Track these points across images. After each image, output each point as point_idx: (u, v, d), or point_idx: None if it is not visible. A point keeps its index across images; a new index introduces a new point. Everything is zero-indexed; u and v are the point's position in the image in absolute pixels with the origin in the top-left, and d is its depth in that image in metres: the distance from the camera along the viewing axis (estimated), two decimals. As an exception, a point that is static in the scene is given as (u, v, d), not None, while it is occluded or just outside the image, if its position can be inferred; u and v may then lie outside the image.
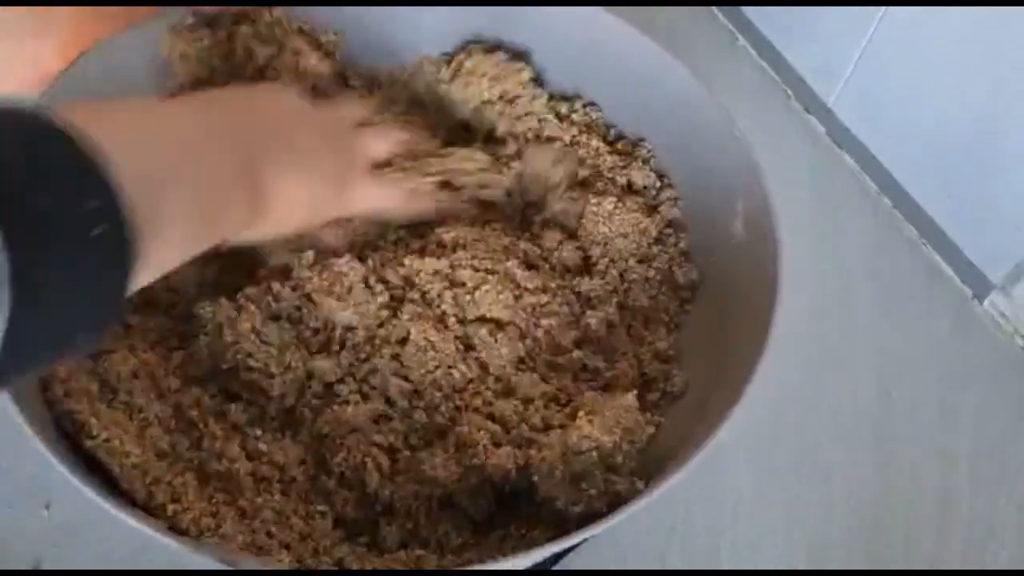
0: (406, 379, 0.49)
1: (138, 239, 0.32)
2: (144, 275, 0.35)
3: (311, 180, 0.46)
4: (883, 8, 0.64)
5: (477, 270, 0.52)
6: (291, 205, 0.45)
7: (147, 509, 0.42)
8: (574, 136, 0.59)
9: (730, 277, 0.53)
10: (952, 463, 0.59)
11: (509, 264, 0.53)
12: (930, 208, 0.67)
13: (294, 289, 0.50)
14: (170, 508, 0.42)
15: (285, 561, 0.43)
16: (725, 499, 0.57)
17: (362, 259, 0.52)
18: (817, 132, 0.73)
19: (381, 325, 0.50)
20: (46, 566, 0.51)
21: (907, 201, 0.68)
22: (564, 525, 0.44)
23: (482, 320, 0.51)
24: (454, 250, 0.53)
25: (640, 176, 0.58)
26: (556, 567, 0.52)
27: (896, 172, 0.68)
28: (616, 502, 0.43)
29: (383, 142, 0.53)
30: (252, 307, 0.49)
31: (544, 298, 0.53)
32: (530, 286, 0.53)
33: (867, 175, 0.71)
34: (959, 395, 0.62)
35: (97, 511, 0.46)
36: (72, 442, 0.43)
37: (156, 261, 0.35)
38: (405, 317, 0.50)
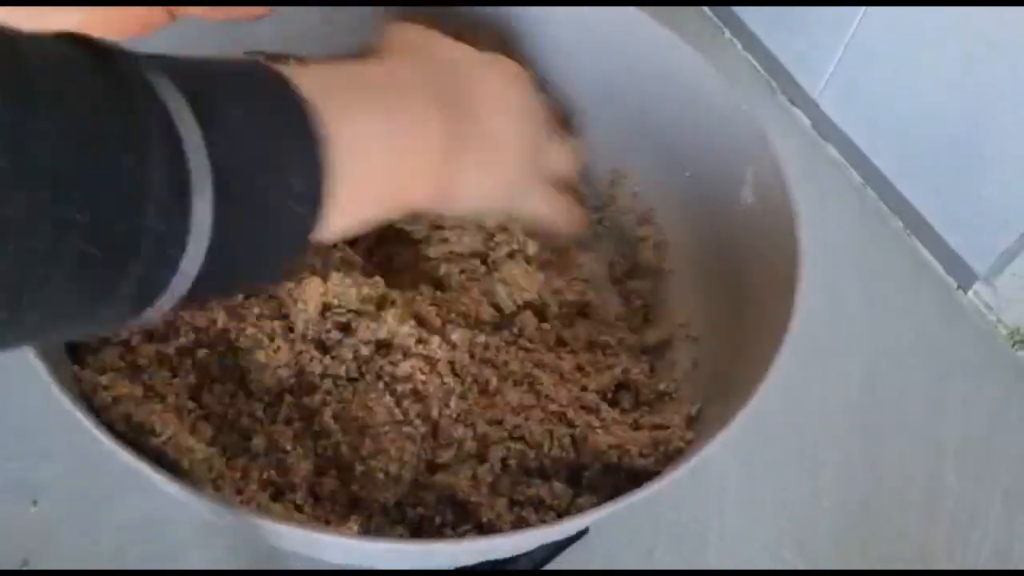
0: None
1: (331, 188, 0.33)
2: (331, 224, 0.35)
3: (497, 175, 0.45)
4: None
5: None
6: (472, 192, 0.44)
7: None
8: None
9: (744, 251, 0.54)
10: (938, 452, 0.60)
11: None
12: (915, 200, 0.67)
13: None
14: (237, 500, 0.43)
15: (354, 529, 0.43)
16: (712, 491, 0.57)
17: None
18: (802, 124, 0.73)
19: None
20: (33, 563, 0.50)
21: (892, 193, 0.69)
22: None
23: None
24: None
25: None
26: (545, 566, 0.52)
27: (881, 164, 0.69)
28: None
29: (568, 159, 0.52)
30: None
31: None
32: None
33: (852, 167, 0.71)
34: (944, 385, 0.62)
35: (84, 506, 0.46)
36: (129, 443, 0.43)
37: (342, 215, 0.35)
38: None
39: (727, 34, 0.78)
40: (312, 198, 0.33)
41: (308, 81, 0.34)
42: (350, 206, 0.36)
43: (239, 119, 0.31)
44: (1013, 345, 0.64)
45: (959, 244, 0.65)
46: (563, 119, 0.54)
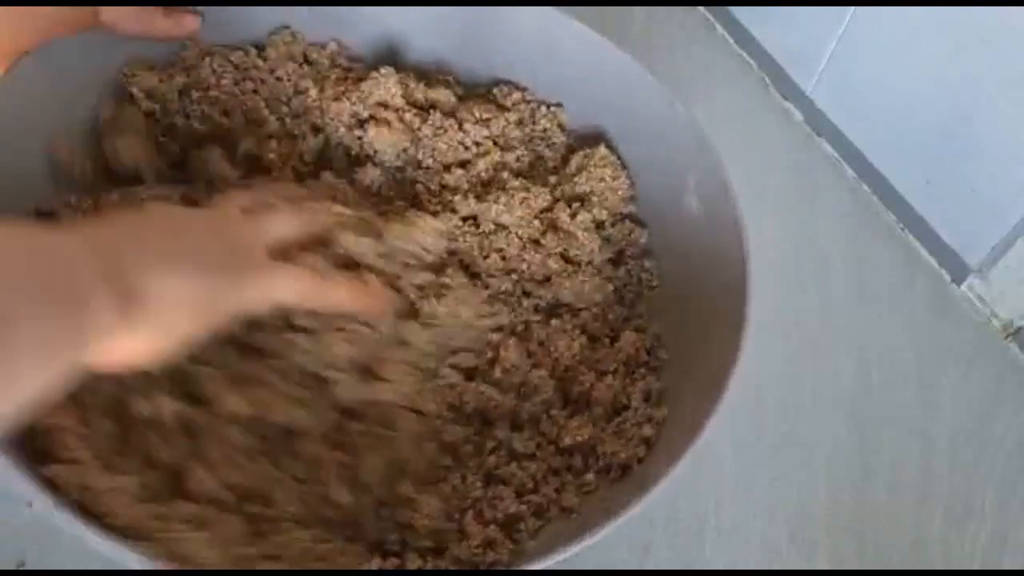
0: None
1: None
2: None
3: (195, 277, 0.41)
4: (859, -5, 0.65)
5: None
6: (174, 305, 0.40)
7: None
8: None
9: (691, 264, 0.54)
10: (931, 444, 0.60)
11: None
12: (908, 193, 0.67)
13: None
14: None
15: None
16: (708, 484, 0.57)
17: None
18: (795, 119, 0.74)
19: None
20: (30, 564, 0.50)
21: (885, 187, 0.69)
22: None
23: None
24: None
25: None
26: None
27: (874, 158, 0.69)
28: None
29: (282, 223, 0.48)
30: None
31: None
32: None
33: (845, 162, 0.71)
34: (938, 377, 0.63)
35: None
36: None
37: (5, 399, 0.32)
38: None
39: (720, 30, 0.78)
40: None
41: None
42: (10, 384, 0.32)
43: None
44: (1006, 337, 0.64)
45: (952, 237, 0.65)
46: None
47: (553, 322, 0.53)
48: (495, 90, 0.60)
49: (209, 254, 0.43)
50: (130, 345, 0.39)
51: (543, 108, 0.60)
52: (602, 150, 0.58)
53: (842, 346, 0.63)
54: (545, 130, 0.59)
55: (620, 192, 0.57)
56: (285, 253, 0.47)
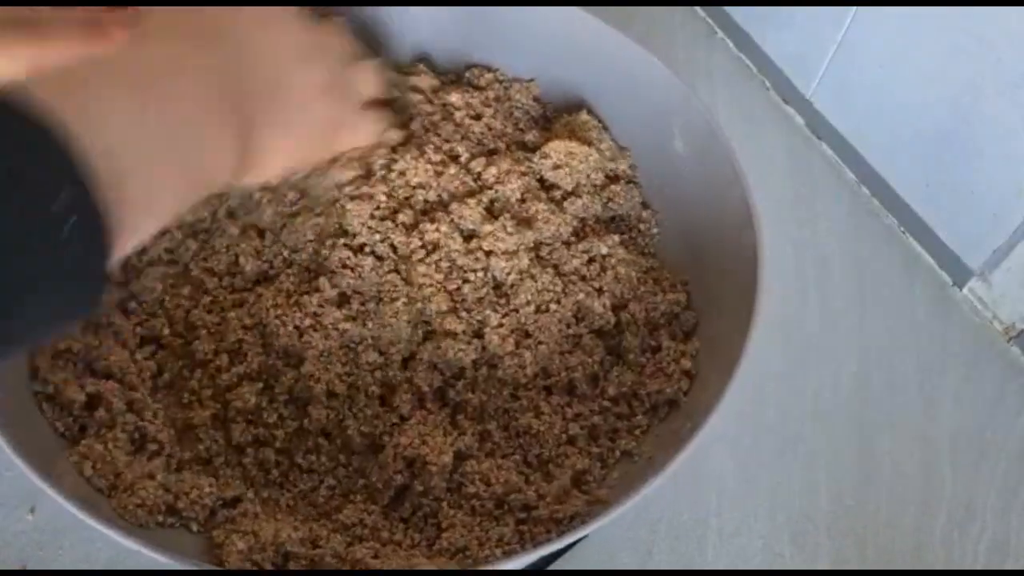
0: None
1: (112, 226, 0.31)
2: (127, 243, 0.33)
3: (303, 131, 0.45)
4: (858, -2, 0.65)
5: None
6: (280, 155, 0.44)
7: None
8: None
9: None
10: (933, 446, 0.60)
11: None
12: (908, 196, 0.67)
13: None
14: None
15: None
16: (709, 487, 0.57)
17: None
18: (795, 122, 0.74)
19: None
20: (32, 567, 0.50)
21: (885, 190, 0.69)
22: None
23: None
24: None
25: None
26: (548, 567, 0.53)
27: (874, 161, 0.69)
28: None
29: (373, 80, 0.51)
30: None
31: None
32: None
33: (845, 165, 0.71)
34: (939, 380, 0.63)
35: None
36: None
37: (137, 227, 0.34)
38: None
39: (720, 34, 0.78)
40: (82, 212, 0.31)
41: (47, 87, 0.32)
42: (142, 203, 0.34)
43: None
44: (1008, 340, 0.64)
45: (953, 240, 0.65)
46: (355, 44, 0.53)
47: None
48: (467, 74, 0.61)
49: (317, 104, 0.46)
50: (224, 171, 0.41)
51: (516, 84, 0.61)
52: (583, 115, 0.59)
53: (843, 349, 0.63)
54: (521, 103, 0.61)
55: (607, 153, 0.58)
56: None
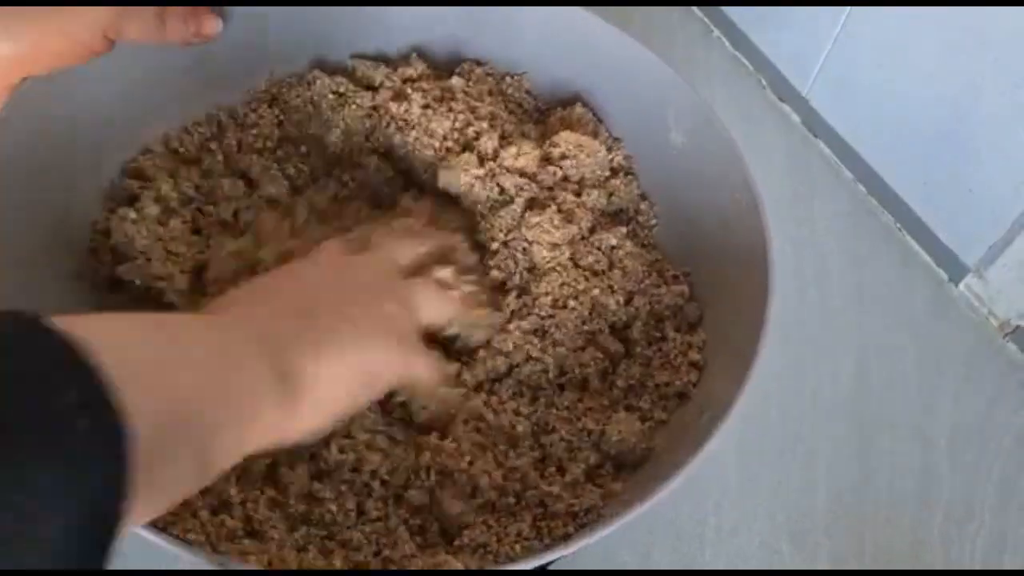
0: None
1: (137, 485, 0.28)
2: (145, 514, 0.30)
3: (356, 357, 0.41)
4: (854, -3, 0.65)
5: None
6: (334, 389, 0.40)
7: None
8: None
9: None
10: (931, 443, 0.60)
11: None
12: (905, 194, 0.68)
13: None
14: None
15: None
16: (709, 485, 0.57)
17: None
18: (792, 121, 0.74)
19: None
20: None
21: (882, 188, 0.69)
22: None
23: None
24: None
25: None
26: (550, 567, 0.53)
27: (871, 159, 0.69)
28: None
29: (445, 302, 0.48)
30: None
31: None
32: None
33: (842, 163, 0.71)
34: (937, 377, 0.63)
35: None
36: None
37: (164, 499, 0.31)
38: None
39: (716, 32, 0.78)
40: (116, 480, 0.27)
41: (99, 332, 0.29)
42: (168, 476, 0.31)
43: None
44: (1004, 336, 0.65)
45: (949, 237, 0.65)
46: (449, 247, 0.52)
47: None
48: (457, 69, 0.61)
49: (364, 334, 0.42)
50: (289, 430, 0.39)
51: (508, 78, 0.61)
52: (579, 109, 0.59)
53: (841, 347, 0.64)
54: (515, 96, 0.61)
55: (601, 153, 0.58)
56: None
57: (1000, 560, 0.57)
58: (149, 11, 0.50)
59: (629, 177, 0.58)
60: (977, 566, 0.56)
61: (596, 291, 0.53)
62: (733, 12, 0.76)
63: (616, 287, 0.53)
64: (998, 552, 0.57)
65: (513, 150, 0.56)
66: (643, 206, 0.58)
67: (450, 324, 0.50)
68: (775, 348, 0.61)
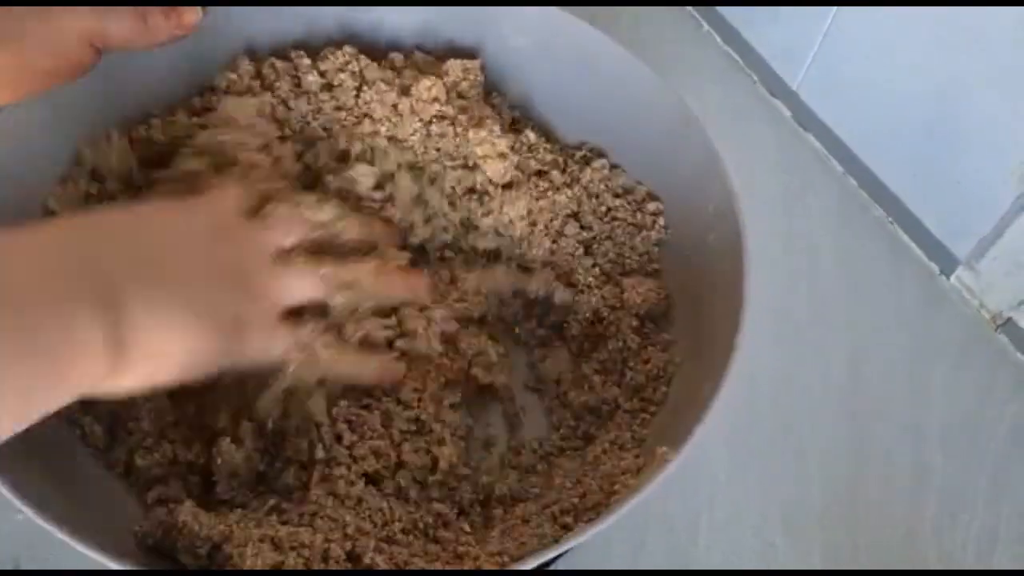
0: None
1: None
2: None
3: (192, 321, 0.38)
4: (844, -10, 0.65)
5: None
6: (164, 352, 0.37)
7: None
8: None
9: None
10: (923, 436, 0.60)
11: None
12: (895, 187, 0.68)
13: None
14: None
15: None
16: (701, 480, 0.57)
17: None
18: (783, 116, 0.74)
19: None
20: (24, 564, 0.50)
21: (872, 181, 0.69)
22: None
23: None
24: None
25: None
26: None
27: (861, 153, 0.69)
28: None
29: (309, 285, 0.44)
30: None
31: None
32: None
33: (833, 157, 0.72)
34: (928, 369, 0.63)
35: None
36: None
37: None
38: None
39: (706, 27, 0.78)
40: None
41: None
42: None
43: None
44: (996, 328, 0.65)
45: (940, 230, 0.66)
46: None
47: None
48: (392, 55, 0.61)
49: (211, 293, 0.39)
50: (117, 384, 0.37)
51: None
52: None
53: (832, 340, 0.64)
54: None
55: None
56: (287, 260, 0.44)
57: (993, 550, 0.57)
58: (128, 11, 0.49)
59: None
60: (970, 557, 0.56)
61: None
62: (723, 7, 0.76)
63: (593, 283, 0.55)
64: (991, 542, 0.57)
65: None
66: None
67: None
68: (766, 342, 0.62)
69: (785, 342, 0.63)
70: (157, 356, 0.37)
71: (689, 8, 0.79)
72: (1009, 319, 0.64)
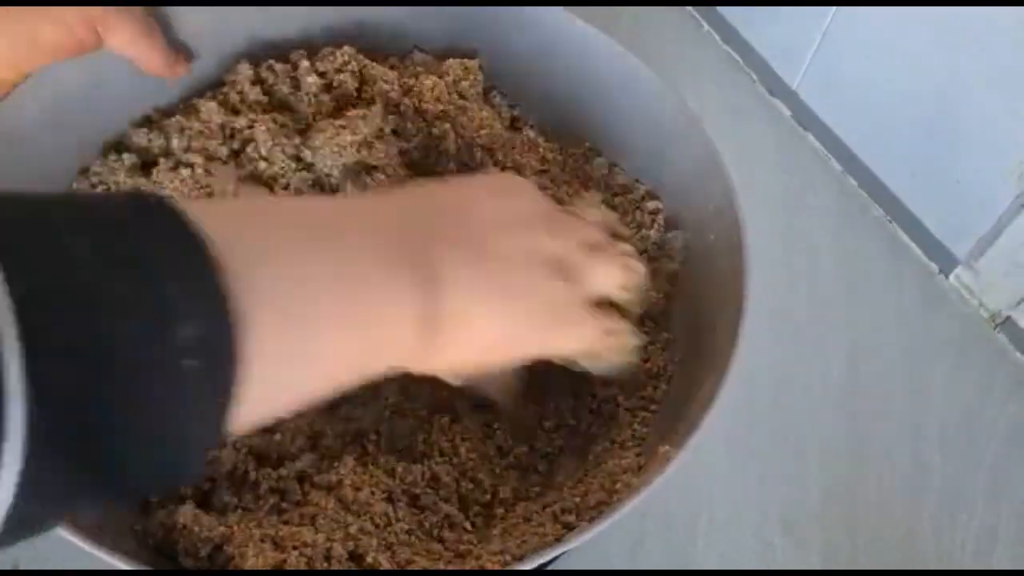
0: None
1: (242, 377, 0.25)
2: (253, 413, 0.27)
3: (510, 308, 0.35)
4: (843, -10, 0.65)
5: None
6: (478, 336, 0.34)
7: None
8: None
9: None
10: (922, 435, 0.60)
11: None
12: (894, 186, 0.68)
13: None
14: None
15: None
16: (700, 478, 0.57)
17: None
18: (782, 115, 0.74)
19: None
20: (24, 564, 0.50)
21: (872, 180, 0.69)
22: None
23: None
24: None
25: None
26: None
27: (860, 152, 0.69)
28: None
29: (614, 276, 0.41)
30: None
31: None
32: None
33: (832, 156, 0.72)
34: (928, 368, 0.63)
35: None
36: None
37: (271, 398, 0.28)
38: None
39: (705, 27, 0.78)
40: (213, 348, 0.25)
41: (217, 214, 0.27)
42: (283, 375, 0.28)
43: (78, 249, 0.23)
44: (995, 327, 0.65)
45: (939, 229, 0.66)
46: (612, 226, 0.46)
47: None
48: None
49: (530, 285, 0.36)
50: (426, 363, 0.35)
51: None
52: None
53: (832, 339, 0.64)
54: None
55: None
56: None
57: (992, 549, 0.57)
58: (139, 11, 0.50)
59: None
60: (968, 556, 0.56)
61: None
62: (723, 7, 0.76)
63: None
64: (990, 541, 0.57)
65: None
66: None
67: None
68: (765, 340, 0.62)
69: (784, 341, 0.63)
70: (470, 340, 0.35)
71: (689, 8, 0.79)
72: (1008, 318, 0.64)
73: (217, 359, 0.25)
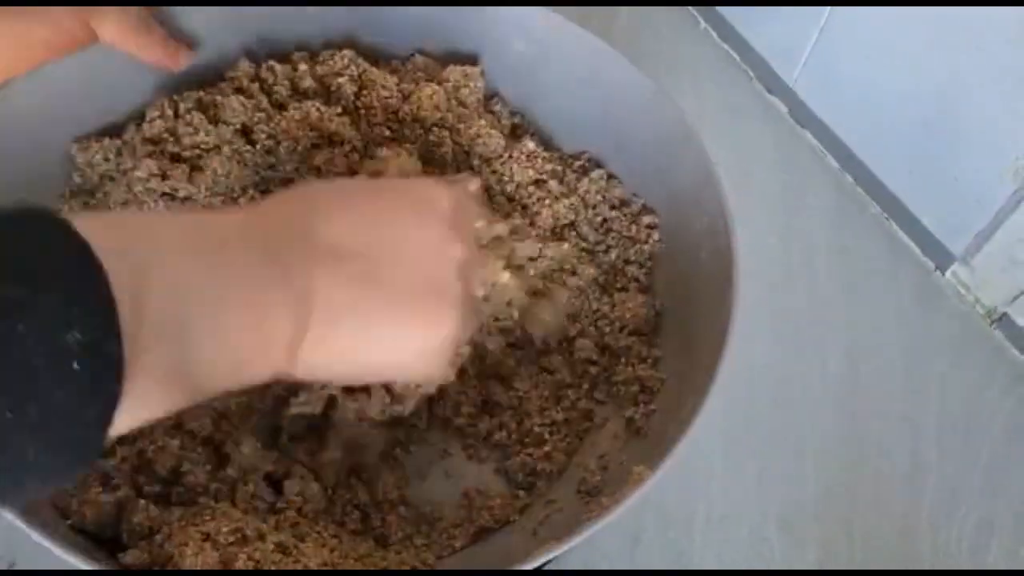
0: None
1: (124, 372, 0.27)
2: (133, 415, 0.29)
3: (380, 304, 0.35)
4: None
5: None
6: (345, 337, 0.35)
7: None
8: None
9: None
10: (919, 431, 0.60)
11: None
12: (891, 183, 0.68)
13: None
14: None
15: None
16: (698, 475, 0.57)
17: None
18: (779, 112, 0.74)
19: None
20: (20, 564, 0.50)
21: (869, 177, 0.69)
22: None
23: None
24: None
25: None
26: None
27: (857, 149, 0.69)
28: None
29: (493, 266, 0.44)
30: None
31: None
32: None
33: (829, 153, 0.72)
34: (925, 365, 0.63)
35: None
36: None
37: (152, 401, 0.30)
38: None
39: (703, 25, 0.78)
40: (99, 351, 0.26)
41: (109, 227, 0.29)
42: (163, 378, 0.29)
43: None
44: (991, 324, 0.65)
45: (935, 226, 0.66)
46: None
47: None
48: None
49: (412, 262, 0.36)
50: (305, 365, 0.35)
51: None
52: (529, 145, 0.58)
53: (829, 336, 0.64)
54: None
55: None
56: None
57: (988, 545, 0.57)
58: (133, 8, 0.50)
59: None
60: (965, 552, 0.56)
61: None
62: (721, 6, 0.76)
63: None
64: (986, 538, 0.57)
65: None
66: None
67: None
68: (763, 337, 0.62)
69: (782, 338, 0.63)
70: (338, 345, 0.35)
71: (687, 6, 0.79)
72: (1004, 315, 0.64)
73: (102, 361, 0.27)
